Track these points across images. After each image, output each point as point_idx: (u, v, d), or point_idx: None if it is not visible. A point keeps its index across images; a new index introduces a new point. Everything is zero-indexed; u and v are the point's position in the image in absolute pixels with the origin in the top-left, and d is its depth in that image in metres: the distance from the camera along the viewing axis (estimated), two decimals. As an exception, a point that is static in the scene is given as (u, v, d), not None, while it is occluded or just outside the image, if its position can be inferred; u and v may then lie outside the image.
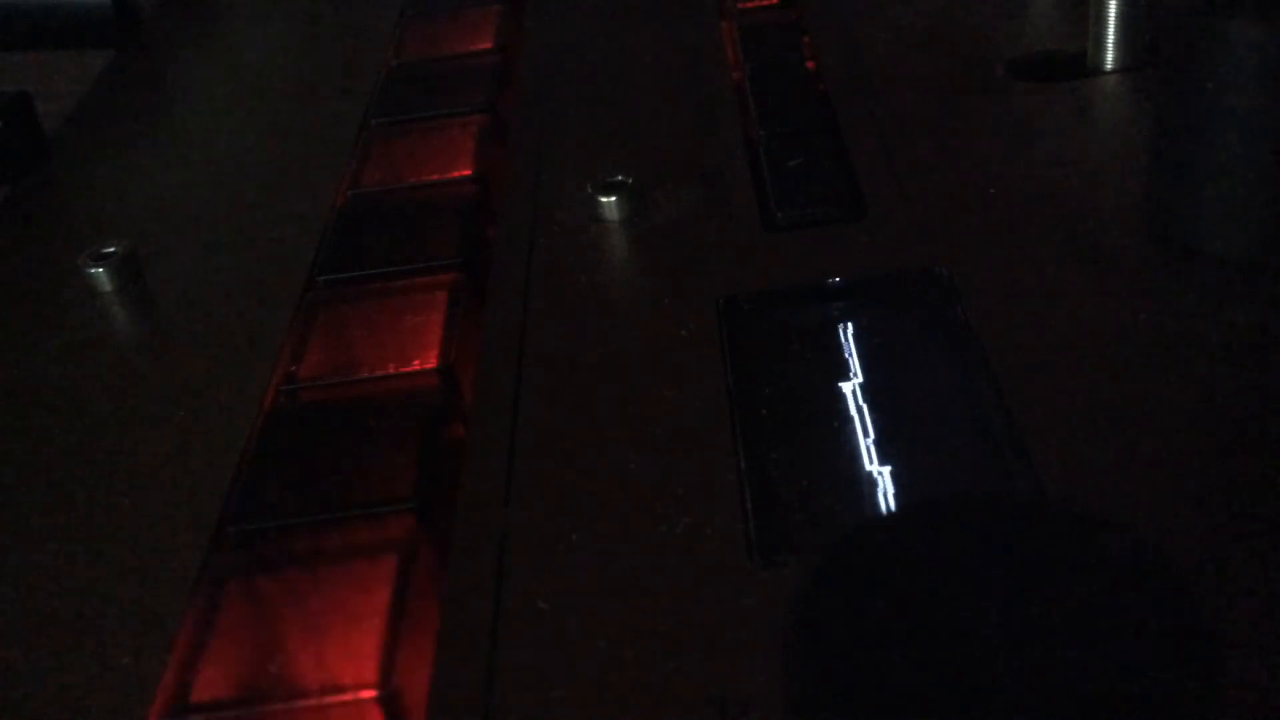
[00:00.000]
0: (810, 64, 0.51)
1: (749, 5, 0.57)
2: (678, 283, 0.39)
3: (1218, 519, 0.28)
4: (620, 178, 0.44)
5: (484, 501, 0.32)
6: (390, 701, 0.28)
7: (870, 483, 0.32)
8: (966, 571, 0.27)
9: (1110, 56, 0.46)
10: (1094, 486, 0.30)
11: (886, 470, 0.32)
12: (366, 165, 0.48)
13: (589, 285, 0.40)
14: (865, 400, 0.34)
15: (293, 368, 0.38)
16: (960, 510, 0.28)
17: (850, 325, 0.37)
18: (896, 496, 0.31)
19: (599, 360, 0.37)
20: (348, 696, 0.28)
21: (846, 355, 0.36)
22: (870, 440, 0.33)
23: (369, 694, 0.28)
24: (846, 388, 0.35)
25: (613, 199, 0.43)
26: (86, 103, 0.58)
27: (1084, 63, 0.47)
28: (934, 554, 0.28)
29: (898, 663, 0.24)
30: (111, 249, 0.45)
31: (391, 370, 0.37)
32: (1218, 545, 0.28)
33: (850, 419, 0.33)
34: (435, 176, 0.47)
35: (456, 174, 0.46)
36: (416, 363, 0.37)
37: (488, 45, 0.56)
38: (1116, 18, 0.45)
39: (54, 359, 0.41)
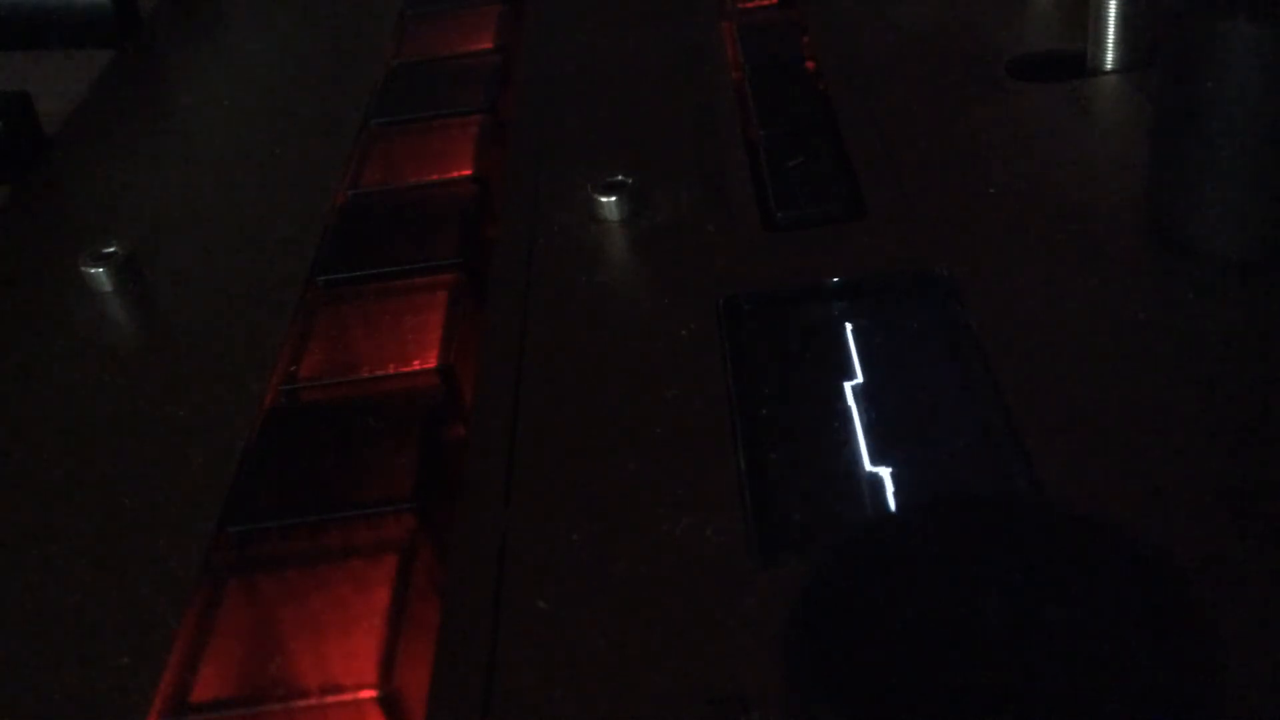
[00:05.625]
0: (810, 64, 0.51)
1: (749, 5, 0.57)
2: (678, 283, 0.39)
3: (1218, 519, 0.28)
4: (620, 178, 0.44)
5: (484, 501, 0.32)
6: (390, 701, 0.28)
7: (870, 483, 0.31)
8: (966, 571, 0.27)
9: (1110, 56, 0.46)
10: (1094, 486, 0.30)
11: (886, 470, 0.32)
12: (366, 165, 0.48)
13: (589, 285, 0.40)
14: (865, 400, 0.34)
15: (293, 368, 0.38)
16: (960, 510, 0.28)
17: (850, 325, 0.37)
18: (896, 496, 0.31)
19: (599, 360, 0.37)
20: (348, 696, 0.28)
21: (846, 355, 0.36)
22: (870, 440, 0.33)
23: (369, 694, 0.28)
24: (846, 388, 0.35)
25: (613, 199, 0.43)
26: (86, 103, 0.58)
27: (1084, 63, 0.47)
28: (934, 554, 0.28)
29: (898, 662, 0.24)
30: (111, 249, 0.45)
31: (391, 370, 0.37)
32: (1218, 545, 0.28)
33: (850, 419, 0.33)
34: (435, 176, 0.47)
35: (456, 174, 0.46)
36: (416, 363, 0.37)
37: (488, 45, 0.56)
38: (1116, 18, 0.45)
39: (54, 359, 0.41)
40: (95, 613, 0.31)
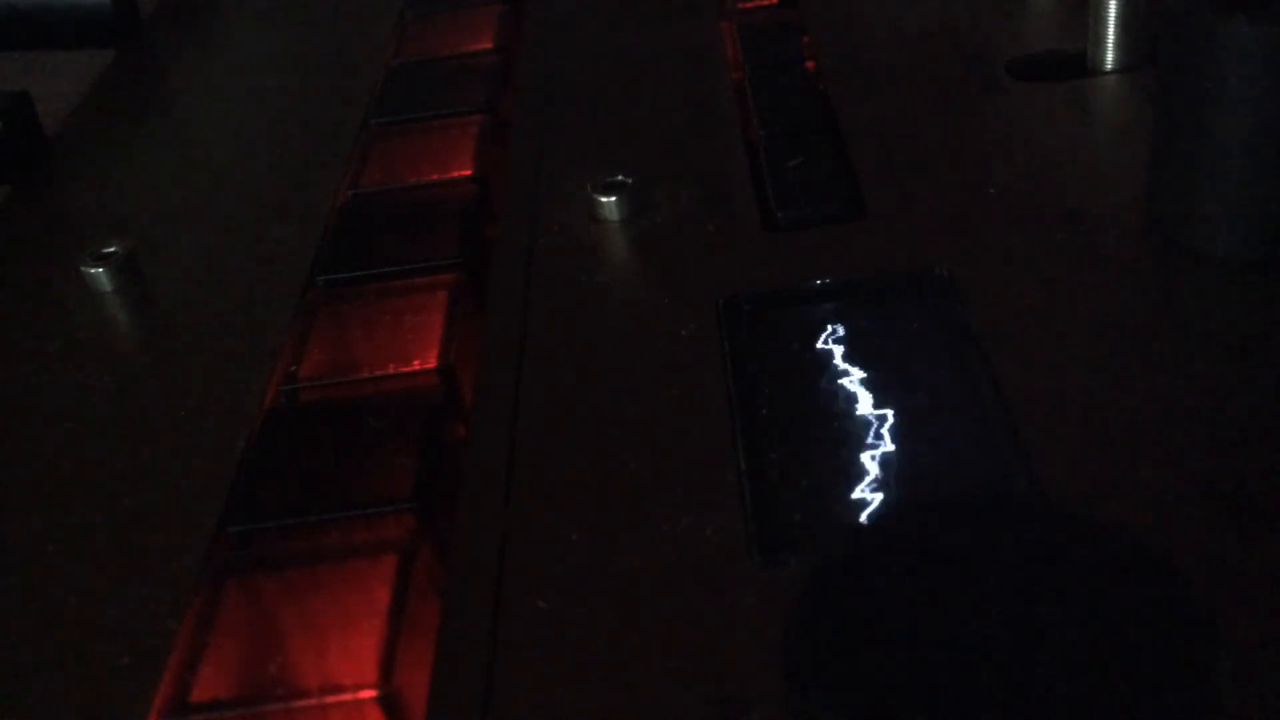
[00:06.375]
0: (810, 64, 0.51)
1: (749, 5, 0.57)
2: (678, 283, 0.39)
3: (1218, 519, 0.28)
4: (620, 178, 0.44)
5: (484, 501, 0.32)
6: (390, 701, 0.28)
7: (870, 483, 0.31)
8: (966, 571, 0.27)
9: (1110, 56, 0.46)
10: (1094, 486, 0.30)
11: (886, 470, 0.32)
12: (366, 165, 0.48)
13: (589, 285, 0.40)
14: (865, 400, 0.34)
15: (293, 368, 0.38)
16: (960, 510, 0.28)
17: (850, 325, 0.37)
18: (896, 496, 0.31)
19: (599, 360, 0.37)
20: (348, 696, 0.28)
21: (846, 355, 0.36)
22: (870, 441, 0.33)
23: (369, 694, 0.28)
24: (846, 388, 0.35)
25: (613, 199, 0.43)
26: (86, 103, 0.58)
27: (1084, 63, 0.47)
28: (934, 554, 0.28)
29: (897, 663, 0.24)
30: (111, 249, 0.45)
31: (391, 370, 0.37)
32: (1218, 545, 0.28)
33: (850, 419, 0.33)
34: (435, 176, 0.47)
35: (456, 174, 0.46)
36: (416, 363, 0.37)
37: (488, 45, 0.56)
38: (1116, 18, 0.45)
39: (54, 359, 0.41)
40: (95, 613, 0.31)
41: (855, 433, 0.33)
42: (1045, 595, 0.24)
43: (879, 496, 0.31)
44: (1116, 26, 0.46)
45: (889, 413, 0.33)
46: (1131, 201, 0.39)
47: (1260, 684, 0.25)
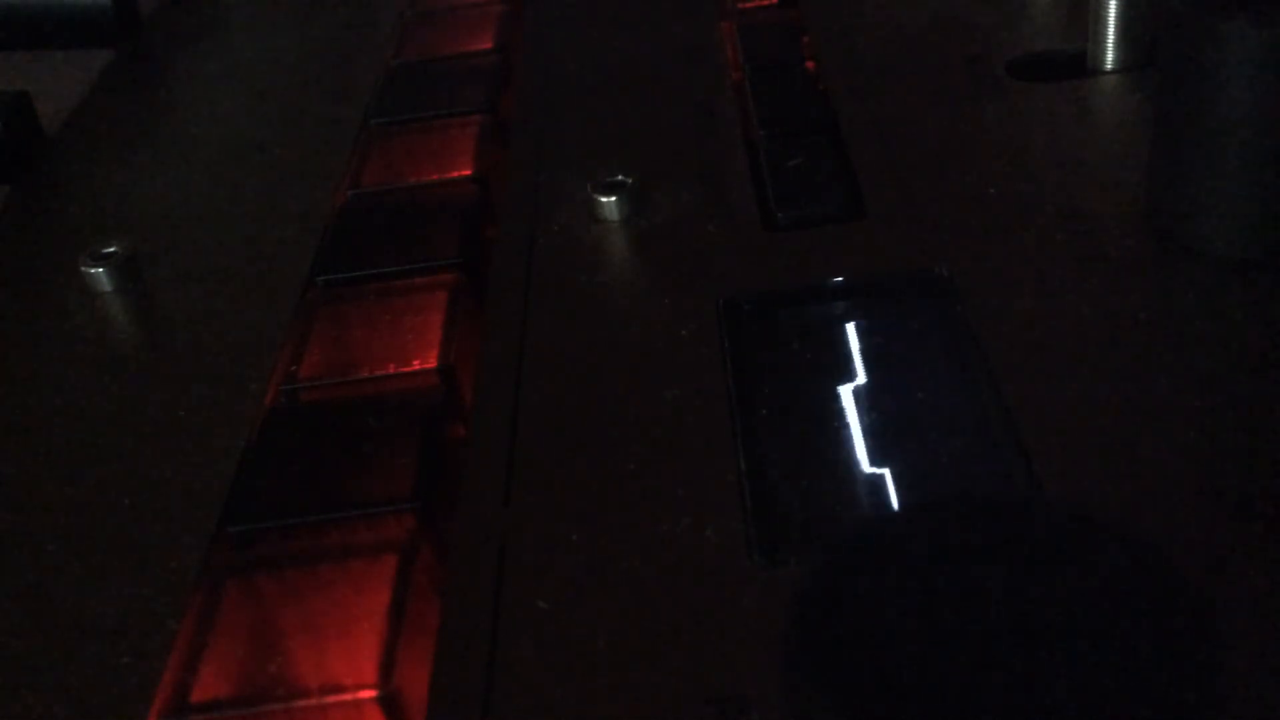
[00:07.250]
0: (810, 64, 0.51)
1: (749, 5, 0.57)
2: (678, 283, 0.39)
3: (1218, 519, 0.28)
4: (620, 178, 0.44)
5: (484, 501, 0.32)
6: (390, 701, 0.28)
7: (870, 483, 0.31)
8: (966, 571, 0.27)
9: (1110, 56, 0.46)
10: (1094, 486, 0.30)
11: (886, 470, 0.32)
12: (366, 165, 0.48)
13: (589, 285, 0.40)
14: (865, 400, 0.34)
15: (293, 368, 0.38)
16: (960, 510, 0.28)
17: (850, 325, 0.37)
18: (896, 496, 0.31)
19: (599, 360, 0.37)
20: (348, 696, 0.28)
21: (846, 355, 0.36)
22: (870, 440, 0.33)
23: (369, 694, 0.28)
24: (846, 388, 0.35)
25: (613, 199, 0.43)
26: (86, 103, 0.58)
27: (1084, 63, 0.47)
28: (934, 554, 0.28)
29: (898, 663, 0.24)
30: (111, 249, 0.45)
31: (391, 370, 0.37)
32: (1218, 545, 0.28)
33: (850, 419, 0.33)
34: (435, 176, 0.47)
35: (456, 174, 0.46)
36: (416, 363, 0.37)
37: (488, 45, 0.56)
38: (1116, 18, 0.45)
39: (54, 359, 0.41)
40: (95, 613, 0.31)
41: (855, 433, 0.33)
42: (1045, 595, 0.24)
43: (879, 496, 0.31)
44: (1116, 26, 0.46)
45: (889, 412, 0.33)
46: (1131, 201, 0.39)
47: (1261, 683, 0.25)
